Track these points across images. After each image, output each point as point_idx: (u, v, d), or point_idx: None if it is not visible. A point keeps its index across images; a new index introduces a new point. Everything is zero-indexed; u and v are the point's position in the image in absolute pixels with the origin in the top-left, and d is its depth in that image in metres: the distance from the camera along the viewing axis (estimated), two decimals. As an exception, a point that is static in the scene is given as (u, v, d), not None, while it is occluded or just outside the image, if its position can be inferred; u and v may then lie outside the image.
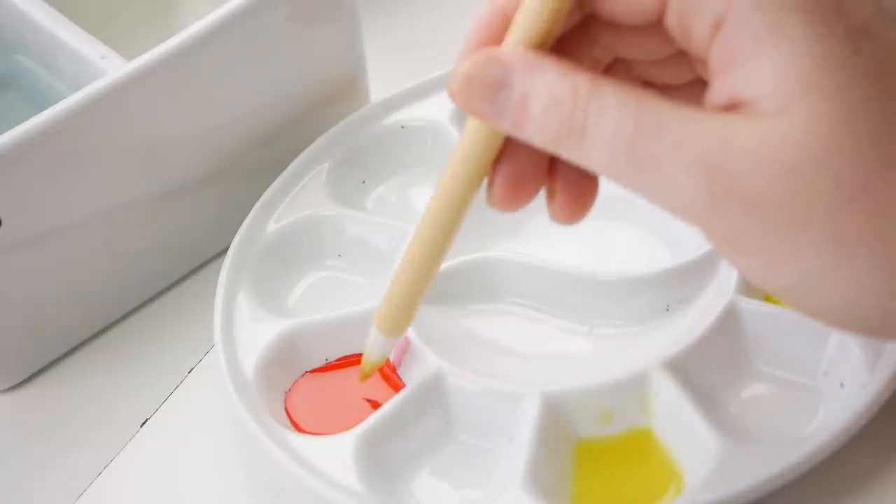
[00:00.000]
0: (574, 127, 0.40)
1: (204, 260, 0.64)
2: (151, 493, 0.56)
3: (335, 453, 0.52)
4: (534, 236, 0.59)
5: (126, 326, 0.62)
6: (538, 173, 0.44)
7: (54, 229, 0.58)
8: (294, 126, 0.63)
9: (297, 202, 0.62)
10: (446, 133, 0.63)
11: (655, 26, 0.42)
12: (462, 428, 0.53)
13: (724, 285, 0.53)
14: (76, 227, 0.58)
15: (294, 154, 0.63)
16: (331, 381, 0.56)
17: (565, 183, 0.44)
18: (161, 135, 0.59)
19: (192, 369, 0.60)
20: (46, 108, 0.56)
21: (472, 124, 0.43)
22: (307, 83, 0.63)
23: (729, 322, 0.52)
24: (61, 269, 0.59)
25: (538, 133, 0.41)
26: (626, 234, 0.58)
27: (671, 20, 0.42)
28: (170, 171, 0.60)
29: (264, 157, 0.63)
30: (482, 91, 0.42)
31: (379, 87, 0.67)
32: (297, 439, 0.53)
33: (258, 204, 0.61)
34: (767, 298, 0.53)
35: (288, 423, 0.54)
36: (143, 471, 0.57)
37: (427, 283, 0.47)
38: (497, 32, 0.43)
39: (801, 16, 0.39)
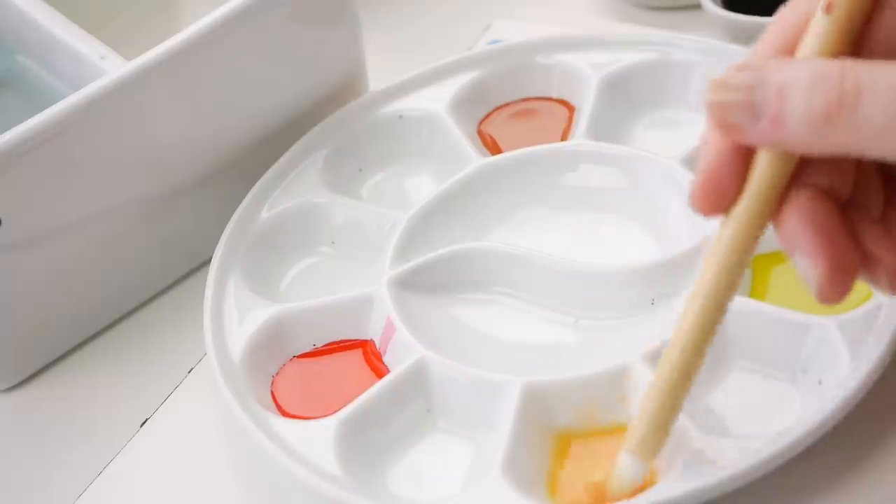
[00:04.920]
0: (846, 93, 0.37)
1: (203, 260, 0.63)
2: (151, 492, 0.56)
3: (316, 437, 0.52)
4: (523, 227, 0.59)
5: (126, 326, 0.63)
6: (856, 252, 0.40)
7: (54, 229, 0.58)
8: (294, 126, 0.63)
9: (292, 189, 0.62)
10: (443, 123, 0.63)
11: None
12: (443, 415, 0.53)
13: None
14: (76, 227, 0.58)
15: (293, 154, 0.63)
16: (317, 367, 0.56)
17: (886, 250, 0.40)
18: (161, 134, 0.59)
19: (191, 369, 0.60)
20: (46, 108, 0.56)
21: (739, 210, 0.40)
22: (307, 83, 0.63)
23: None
24: (61, 268, 0.59)
25: (802, 120, 0.38)
26: (614, 227, 0.58)
27: None
28: (169, 170, 0.60)
29: (264, 157, 0.63)
30: (736, 93, 0.39)
31: (379, 87, 0.66)
32: (279, 422, 0.53)
33: (252, 190, 0.61)
34: (751, 295, 0.52)
35: (274, 406, 0.54)
36: (142, 471, 0.57)
37: (685, 396, 0.44)
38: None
39: None
